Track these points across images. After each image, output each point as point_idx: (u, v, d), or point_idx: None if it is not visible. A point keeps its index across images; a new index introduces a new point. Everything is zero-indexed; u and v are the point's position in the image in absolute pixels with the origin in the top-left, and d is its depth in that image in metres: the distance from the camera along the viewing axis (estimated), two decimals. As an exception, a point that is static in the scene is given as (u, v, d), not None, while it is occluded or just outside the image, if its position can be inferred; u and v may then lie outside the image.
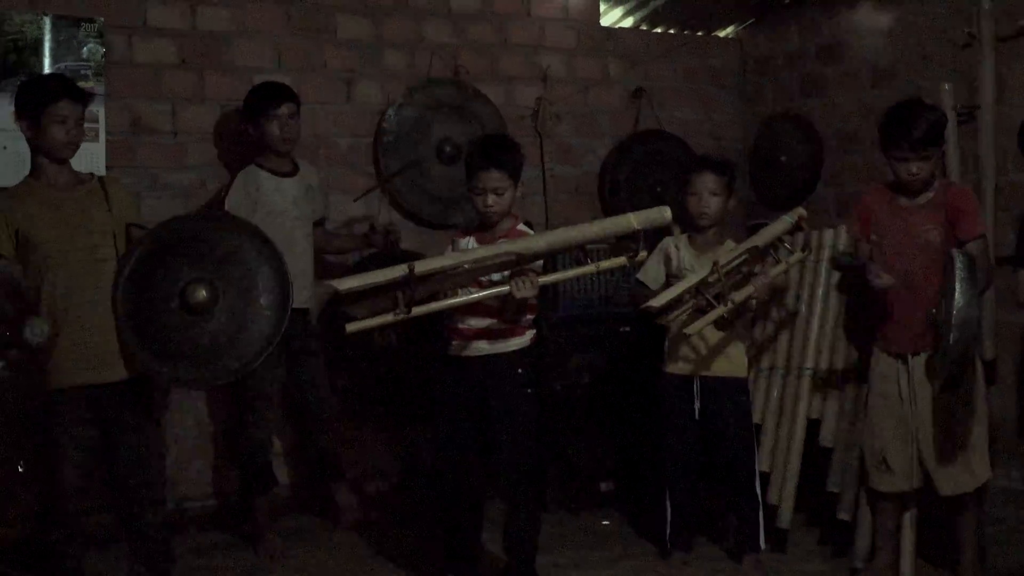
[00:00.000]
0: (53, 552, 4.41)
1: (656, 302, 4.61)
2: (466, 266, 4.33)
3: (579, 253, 4.63)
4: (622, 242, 4.55)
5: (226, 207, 5.36)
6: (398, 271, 4.10)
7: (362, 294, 4.14)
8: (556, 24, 7.00)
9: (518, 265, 4.34)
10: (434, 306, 4.30)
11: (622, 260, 4.51)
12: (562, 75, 7.00)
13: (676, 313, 4.76)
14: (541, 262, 4.50)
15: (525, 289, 4.29)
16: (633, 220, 4.47)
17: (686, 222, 5.18)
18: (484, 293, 4.38)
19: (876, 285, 4.58)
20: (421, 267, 4.17)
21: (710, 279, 4.66)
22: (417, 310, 4.17)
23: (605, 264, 4.57)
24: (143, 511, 4.51)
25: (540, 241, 4.46)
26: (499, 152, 4.61)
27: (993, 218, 5.86)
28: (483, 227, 4.66)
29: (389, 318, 4.14)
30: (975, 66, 6.01)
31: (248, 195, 5.44)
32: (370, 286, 4.11)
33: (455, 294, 4.41)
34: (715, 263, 4.64)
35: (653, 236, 5.03)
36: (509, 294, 4.31)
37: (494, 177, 4.52)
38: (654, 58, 7.30)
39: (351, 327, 4.13)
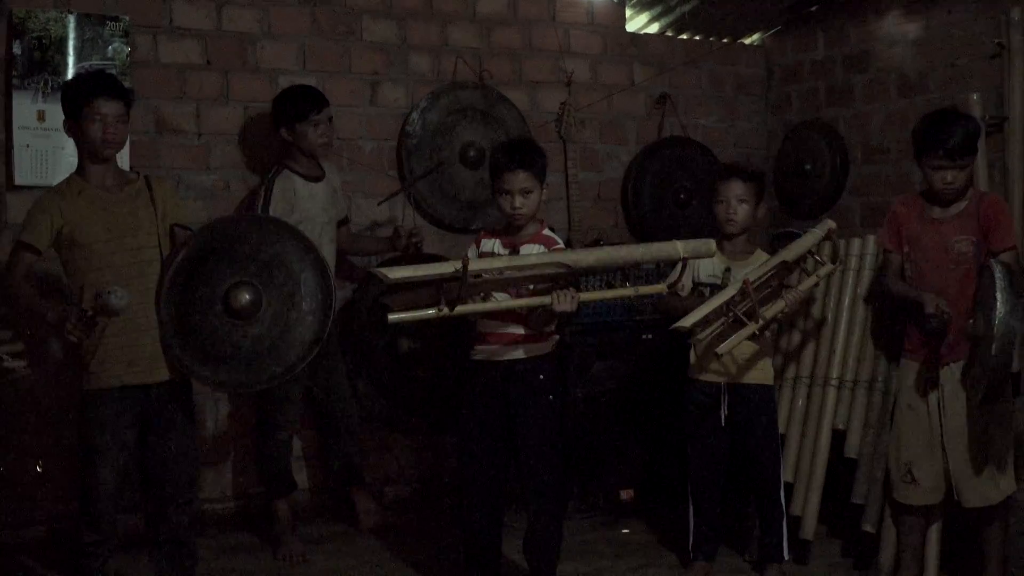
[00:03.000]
0: (83, 553, 4.40)
1: (685, 322, 4.59)
2: (508, 272, 4.30)
3: (611, 274, 4.63)
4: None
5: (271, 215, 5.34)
6: (449, 267, 4.06)
7: (402, 287, 4.09)
8: (581, 29, 6.98)
9: (565, 276, 4.32)
10: (475, 307, 4.28)
11: (661, 287, 4.56)
12: (587, 80, 6.98)
13: (708, 331, 4.73)
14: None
15: (566, 303, 4.26)
16: (680, 248, 4.47)
17: (715, 230, 5.15)
18: (524, 301, 4.35)
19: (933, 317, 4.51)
20: (474, 266, 4.13)
21: (740, 297, 4.64)
22: (459, 309, 4.14)
23: (644, 290, 4.62)
24: (173, 511, 4.50)
25: (590, 256, 4.47)
26: (525, 153, 4.61)
27: (1021, 228, 5.81)
28: (508, 230, 4.64)
29: (431, 313, 4.09)
30: (1004, 76, 5.97)
31: (287, 201, 5.43)
32: (420, 279, 4.07)
33: (488, 298, 4.38)
34: (745, 282, 4.62)
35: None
36: (548, 305, 4.27)
37: (521, 178, 4.50)
38: (679, 65, 7.27)
39: (392, 318, 4.07)
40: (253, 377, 4.41)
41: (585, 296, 4.45)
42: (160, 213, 4.48)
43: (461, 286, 4.06)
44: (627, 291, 4.59)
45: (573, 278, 4.36)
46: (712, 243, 4.58)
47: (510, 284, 4.39)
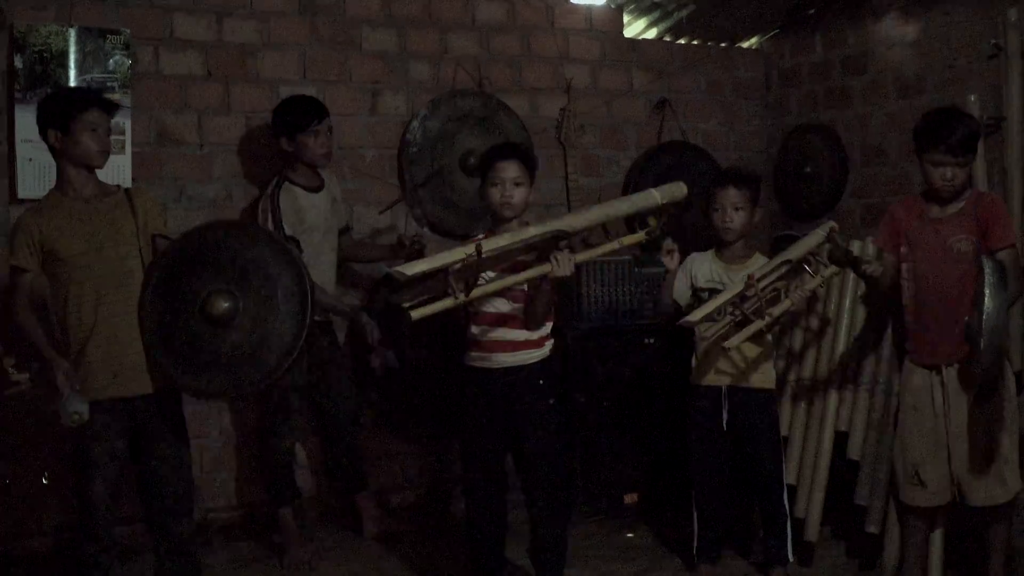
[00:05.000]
0: (85, 564, 4.41)
1: (693, 317, 4.65)
2: (513, 246, 4.37)
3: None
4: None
5: (286, 231, 5.34)
6: (461, 253, 4.12)
7: (409, 281, 4.12)
8: (580, 35, 7.00)
9: (564, 241, 4.42)
10: (487, 288, 4.33)
11: (640, 236, 4.68)
12: (586, 86, 7.00)
13: (715, 328, 4.76)
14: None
15: (564, 267, 4.30)
16: (656, 195, 4.64)
17: (712, 237, 5.18)
18: (525, 274, 4.37)
19: (870, 273, 4.63)
20: (487, 246, 4.18)
21: (748, 292, 4.67)
22: (474, 293, 4.17)
23: (627, 240, 4.72)
24: (172, 522, 4.51)
25: (580, 219, 4.56)
26: (517, 148, 4.75)
27: (1020, 229, 5.83)
28: (495, 234, 4.64)
29: (449, 303, 4.12)
30: (1001, 77, 5.99)
31: (296, 214, 5.45)
32: (437, 269, 4.10)
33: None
34: (751, 276, 4.65)
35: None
36: (548, 273, 4.32)
37: (513, 167, 4.56)
38: (678, 69, 7.29)
39: (415, 314, 4.09)
40: (235, 383, 4.40)
41: (580, 257, 4.51)
42: (141, 223, 4.47)
43: (476, 270, 4.11)
44: (612, 244, 4.69)
45: (566, 244, 4.45)
46: (683, 185, 4.73)
47: (506, 261, 4.45)
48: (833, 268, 4.98)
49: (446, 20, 6.57)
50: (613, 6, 7.09)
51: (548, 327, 4.66)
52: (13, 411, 5.21)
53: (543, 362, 4.64)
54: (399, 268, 4.04)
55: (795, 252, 4.91)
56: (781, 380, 5.37)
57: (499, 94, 6.65)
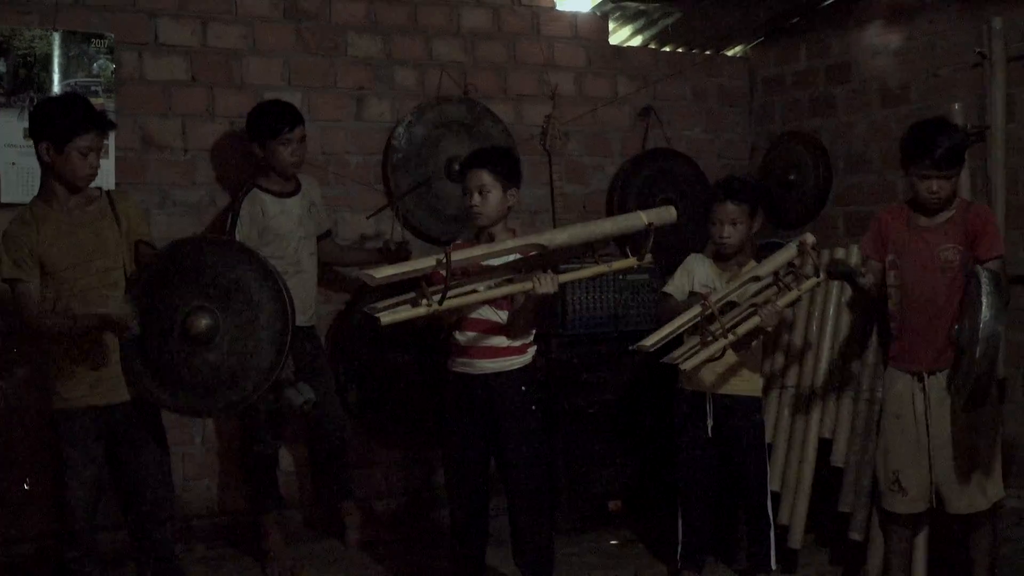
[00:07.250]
0: (68, 570, 4.39)
1: (647, 342, 4.61)
2: (493, 260, 4.35)
3: (587, 256, 4.70)
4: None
5: (236, 237, 5.30)
6: (431, 261, 4.06)
7: (384, 289, 4.08)
8: (565, 43, 7.00)
9: (541, 258, 4.38)
10: (463, 300, 4.28)
11: (631, 261, 4.59)
12: (571, 93, 7.00)
13: (682, 351, 4.74)
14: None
15: (547, 285, 4.29)
16: (644, 217, 4.56)
17: (711, 248, 5.19)
18: (507, 288, 4.35)
19: (863, 284, 4.62)
20: (456, 256, 4.12)
21: (705, 313, 4.66)
22: (448, 303, 4.14)
23: (617, 264, 4.63)
24: (153, 528, 4.49)
25: (562, 235, 4.49)
26: (486, 154, 4.69)
27: (1004, 237, 5.84)
28: (478, 240, 4.64)
29: (422, 311, 4.08)
30: (986, 86, 6.01)
31: (255, 222, 5.41)
32: (405, 276, 4.06)
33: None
34: (705, 299, 4.65)
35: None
36: (530, 290, 4.30)
37: (479, 175, 4.54)
38: (663, 77, 7.29)
39: (385, 319, 4.03)
40: (209, 403, 4.35)
41: (564, 278, 4.49)
42: (124, 230, 4.44)
43: (446, 278, 4.06)
44: (601, 267, 4.62)
45: (550, 262, 4.42)
46: (672, 209, 4.67)
47: (495, 274, 4.41)
48: (812, 281, 4.94)
49: (431, 27, 6.56)
50: (598, 14, 7.10)
51: (534, 324, 4.65)
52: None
53: (525, 368, 4.64)
54: (369, 272, 4.00)
55: (764, 269, 4.90)
56: (765, 387, 5.37)
57: (484, 101, 6.65)
